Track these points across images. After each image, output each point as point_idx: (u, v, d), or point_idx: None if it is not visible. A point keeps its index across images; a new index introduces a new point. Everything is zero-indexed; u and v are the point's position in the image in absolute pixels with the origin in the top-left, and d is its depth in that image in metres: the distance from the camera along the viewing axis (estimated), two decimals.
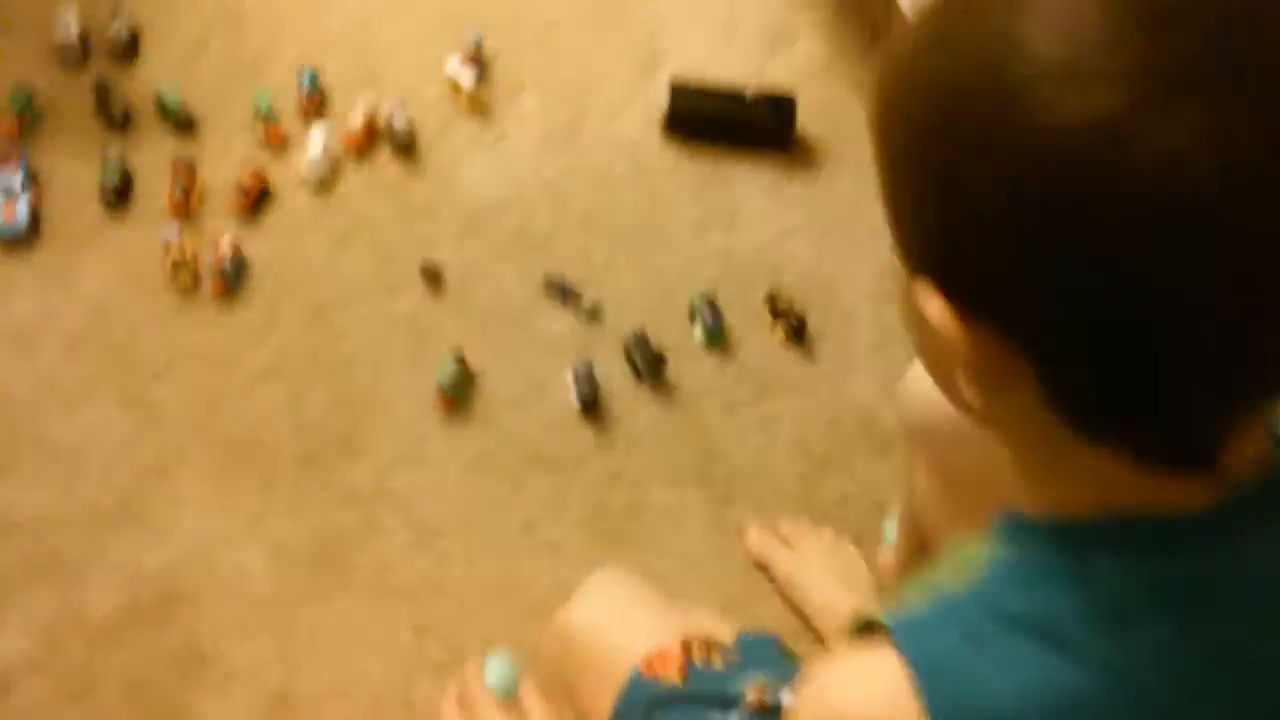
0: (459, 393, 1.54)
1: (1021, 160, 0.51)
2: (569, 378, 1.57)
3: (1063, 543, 0.61)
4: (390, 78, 1.77)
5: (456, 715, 1.16)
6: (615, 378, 1.59)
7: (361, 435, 1.52)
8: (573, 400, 1.56)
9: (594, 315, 1.63)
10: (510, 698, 1.18)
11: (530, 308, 1.63)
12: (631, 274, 1.67)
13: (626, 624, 1.21)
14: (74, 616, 1.38)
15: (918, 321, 0.59)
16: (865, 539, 1.46)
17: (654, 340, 1.59)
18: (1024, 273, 0.52)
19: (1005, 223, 0.52)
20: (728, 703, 1.08)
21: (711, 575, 1.48)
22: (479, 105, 1.76)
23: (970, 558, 0.64)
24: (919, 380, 1.08)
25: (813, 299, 1.66)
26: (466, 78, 1.75)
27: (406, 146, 1.72)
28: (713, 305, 1.63)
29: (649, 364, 1.58)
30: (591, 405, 1.56)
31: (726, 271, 1.68)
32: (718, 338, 1.63)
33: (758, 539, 1.49)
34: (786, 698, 1.08)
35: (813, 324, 1.64)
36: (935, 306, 0.56)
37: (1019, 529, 0.64)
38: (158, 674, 1.36)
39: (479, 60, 1.78)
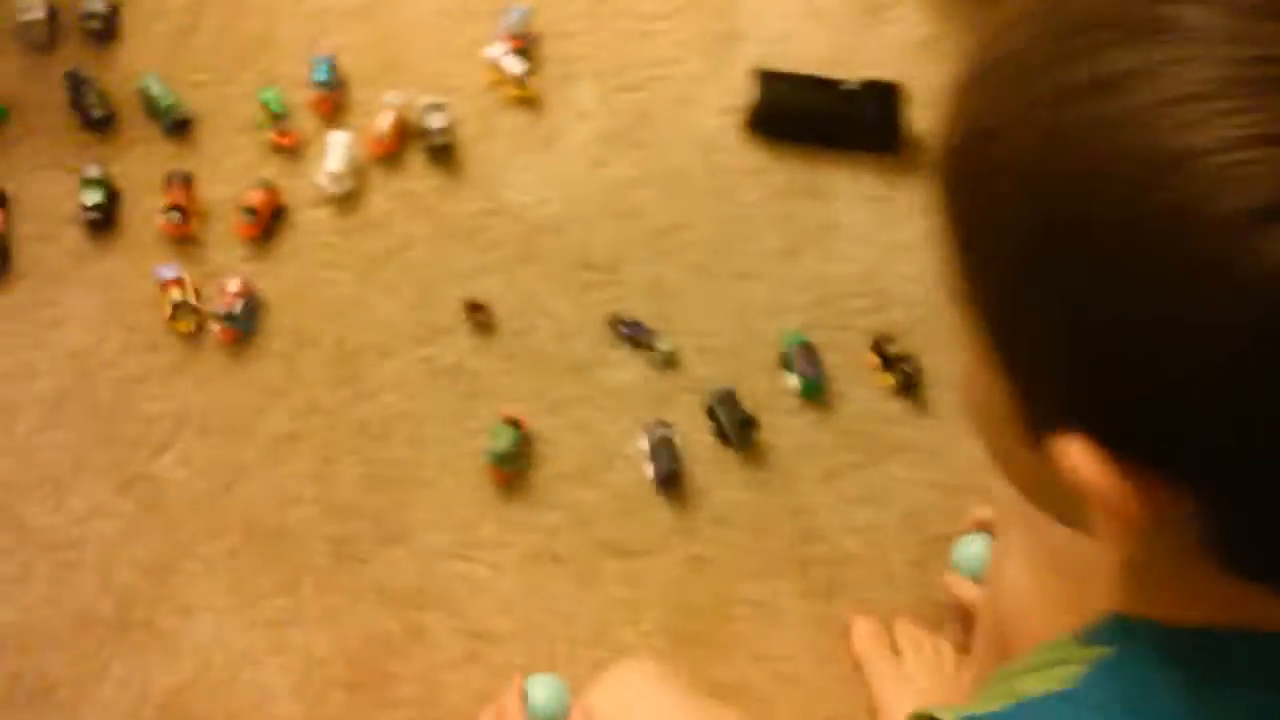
0: (514, 464, 1.30)
1: (1227, 309, 0.40)
2: (643, 444, 1.33)
3: (1177, 654, 0.51)
4: (418, 65, 1.48)
5: None
6: (696, 439, 1.35)
7: (402, 517, 1.29)
8: (648, 472, 1.33)
9: (669, 362, 1.38)
10: None
11: (594, 353, 1.38)
12: (712, 308, 1.42)
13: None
14: None
15: (1033, 466, 0.50)
16: None
17: (741, 394, 1.36)
18: (1227, 425, 0.42)
19: (1208, 378, 0.42)
20: None
21: (811, 686, 1.27)
22: (528, 97, 1.48)
23: (1059, 659, 0.55)
24: None
25: (924, 337, 1.42)
26: (512, 64, 1.46)
27: (443, 151, 1.44)
28: (809, 351, 1.38)
29: (736, 427, 1.34)
30: (670, 480, 1.33)
31: (823, 303, 1.43)
32: (816, 391, 1.38)
33: (862, 638, 1.28)
34: None
35: (925, 368, 1.40)
36: (1082, 458, 0.46)
37: (1122, 631, 0.55)
38: None
39: (525, 42, 1.50)
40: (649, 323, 1.39)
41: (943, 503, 1.34)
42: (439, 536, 1.28)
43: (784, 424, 1.37)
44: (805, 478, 1.35)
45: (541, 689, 1.11)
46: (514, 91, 1.47)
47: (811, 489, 1.34)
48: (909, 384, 1.39)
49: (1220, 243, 0.40)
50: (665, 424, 1.34)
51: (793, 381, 1.39)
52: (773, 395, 1.38)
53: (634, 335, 1.38)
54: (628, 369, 1.38)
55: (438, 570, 1.27)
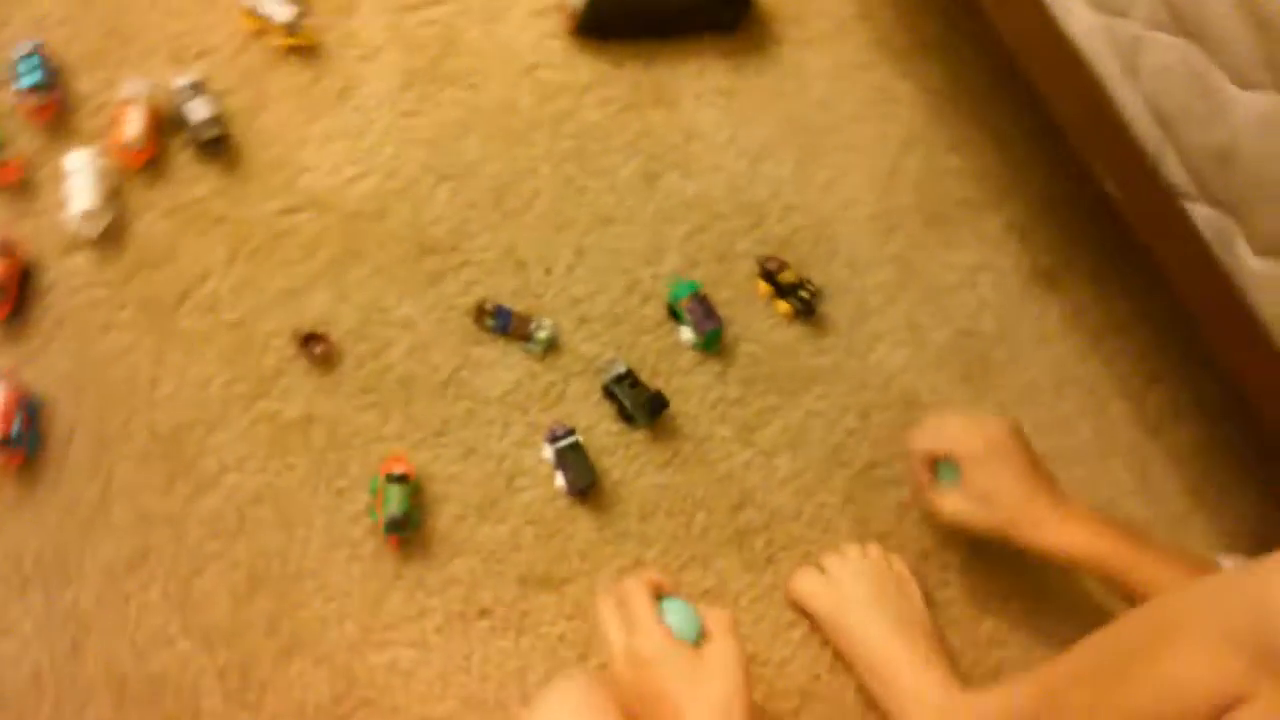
0: (407, 523, 1.10)
1: None
2: (547, 453, 1.16)
3: None
4: (152, 28, 1.13)
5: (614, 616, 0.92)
6: (601, 429, 1.18)
7: (295, 620, 1.07)
8: (558, 483, 1.16)
9: (550, 347, 1.19)
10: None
11: (464, 359, 1.16)
12: (579, 267, 1.21)
13: None
14: None
15: None
16: (932, 550, 1.20)
17: (635, 363, 1.18)
18: None
19: None
20: None
21: (774, 660, 1.18)
22: (305, 45, 1.16)
23: None
24: None
25: (807, 246, 1.27)
26: (278, 9, 1.13)
27: (215, 144, 1.12)
28: (702, 300, 1.22)
29: (642, 407, 1.18)
30: (584, 488, 1.16)
31: (698, 231, 1.25)
32: (715, 341, 1.23)
33: (794, 584, 1.20)
34: None
35: (815, 280, 1.26)
36: None
37: None
38: None
39: None
40: (516, 305, 1.18)
41: (860, 427, 1.24)
42: (344, 629, 1.08)
43: (687, 384, 1.22)
44: (721, 439, 1.22)
45: (677, 614, 0.95)
46: (284, 40, 1.15)
47: (730, 449, 1.21)
48: (808, 309, 1.26)
49: None
50: (568, 428, 1.16)
51: (687, 335, 1.23)
52: (667, 355, 1.22)
53: (503, 325, 1.17)
54: (505, 367, 1.17)
55: (354, 669, 1.08)
